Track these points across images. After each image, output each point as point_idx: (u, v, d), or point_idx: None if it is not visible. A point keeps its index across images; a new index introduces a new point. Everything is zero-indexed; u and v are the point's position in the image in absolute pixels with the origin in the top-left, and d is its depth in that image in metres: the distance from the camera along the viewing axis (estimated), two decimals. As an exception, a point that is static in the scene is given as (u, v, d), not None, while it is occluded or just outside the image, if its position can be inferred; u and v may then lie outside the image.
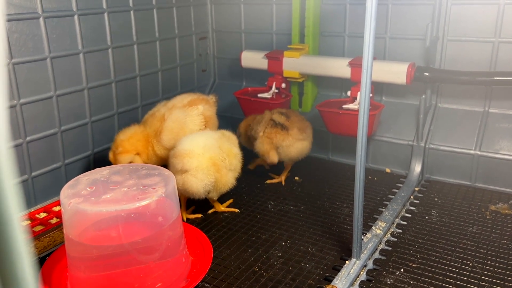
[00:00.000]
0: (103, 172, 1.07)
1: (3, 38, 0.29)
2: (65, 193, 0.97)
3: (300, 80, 1.86)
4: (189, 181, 1.27)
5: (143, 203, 0.93)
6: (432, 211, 1.44)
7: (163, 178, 1.03)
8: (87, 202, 0.93)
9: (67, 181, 1.55)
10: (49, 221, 1.31)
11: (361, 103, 1.04)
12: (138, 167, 1.10)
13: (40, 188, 1.48)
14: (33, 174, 1.45)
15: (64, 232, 0.97)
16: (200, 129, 1.51)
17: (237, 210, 1.45)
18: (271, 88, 1.88)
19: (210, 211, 1.45)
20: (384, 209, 1.45)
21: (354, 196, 1.12)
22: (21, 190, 1.43)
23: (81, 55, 1.54)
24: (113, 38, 1.65)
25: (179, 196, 1.28)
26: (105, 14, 1.60)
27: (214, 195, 1.36)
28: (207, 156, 1.29)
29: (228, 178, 1.35)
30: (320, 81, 1.94)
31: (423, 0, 1.62)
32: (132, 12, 1.71)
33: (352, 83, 1.71)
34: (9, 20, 1.31)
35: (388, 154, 1.73)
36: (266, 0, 1.97)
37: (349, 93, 1.70)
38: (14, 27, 1.32)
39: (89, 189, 0.99)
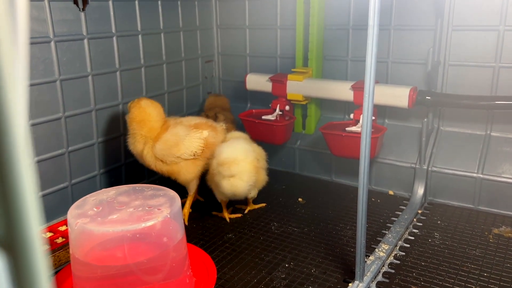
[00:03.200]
0: (110, 193, 1.09)
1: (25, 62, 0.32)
2: (72, 213, 0.99)
3: (303, 103, 1.89)
4: (237, 184, 1.43)
5: (149, 223, 0.94)
6: (435, 233, 1.44)
7: (168, 199, 1.05)
8: (94, 222, 0.95)
9: (73, 201, 1.58)
10: (54, 240, 1.32)
11: (363, 125, 1.06)
12: (144, 187, 1.12)
13: (47, 208, 1.50)
14: (40, 194, 1.47)
15: (71, 251, 0.99)
16: (195, 152, 1.50)
17: (264, 204, 1.66)
18: (275, 110, 1.91)
19: (246, 211, 1.62)
20: (387, 232, 1.45)
21: (357, 219, 1.13)
22: (27, 210, 1.44)
23: (90, 78, 1.57)
24: (121, 61, 1.69)
25: (220, 200, 1.56)
26: (114, 38, 1.64)
27: (254, 193, 1.55)
28: (248, 160, 1.45)
29: (264, 176, 1.55)
30: (323, 103, 1.97)
31: (424, 26, 1.66)
32: (140, 36, 1.75)
33: (355, 106, 1.74)
34: (21, 44, 1.35)
35: (391, 177, 1.74)
36: (270, 25, 2.02)
37: (352, 115, 1.73)
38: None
39: (95, 209, 1.01)
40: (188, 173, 1.53)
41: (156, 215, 0.97)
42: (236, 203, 1.65)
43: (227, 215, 1.57)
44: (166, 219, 0.98)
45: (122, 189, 1.12)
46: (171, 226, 1.00)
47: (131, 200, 1.05)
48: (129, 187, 1.14)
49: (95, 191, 1.66)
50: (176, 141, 1.49)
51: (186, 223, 1.54)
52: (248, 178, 1.44)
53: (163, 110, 1.56)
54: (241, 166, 1.42)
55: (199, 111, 2.15)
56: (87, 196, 1.08)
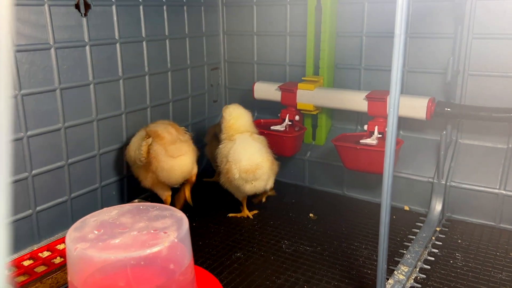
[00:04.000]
0: (112, 213, 1.01)
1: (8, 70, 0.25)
2: (71, 236, 0.91)
3: (314, 113, 1.81)
4: (259, 186, 1.51)
5: (154, 249, 0.86)
6: (457, 254, 1.36)
7: (175, 221, 0.97)
8: (94, 247, 0.87)
9: (73, 216, 1.51)
10: (52, 260, 1.24)
11: (387, 140, 0.97)
12: (149, 207, 1.04)
13: (45, 223, 1.42)
14: (38, 208, 1.40)
15: (68, 278, 0.90)
16: (138, 158, 1.49)
17: (275, 193, 1.73)
18: (284, 120, 1.83)
19: (264, 199, 1.68)
20: (405, 251, 1.37)
21: (379, 243, 1.04)
22: (24, 226, 1.36)
23: (91, 86, 1.50)
24: (125, 69, 1.61)
25: (242, 199, 1.59)
26: (117, 45, 1.57)
27: (271, 183, 1.56)
28: (266, 159, 1.51)
29: (276, 166, 1.56)
30: (335, 113, 1.89)
31: (443, 34, 1.58)
32: (144, 42, 1.68)
33: (368, 117, 1.66)
34: (19, 51, 1.28)
35: (407, 191, 1.65)
36: (279, 32, 1.94)
37: (365, 127, 1.65)
38: (24, 58, 1.29)
39: (96, 232, 0.93)
40: (143, 179, 1.55)
41: (162, 239, 0.89)
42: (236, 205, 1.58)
43: (248, 213, 1.61)
44: (173, 244, 0.89)
45: (125, 208, 1.03)
46: (178, 251, 0.92)
47: (135, 222, 0.97)
48: (132, 205, 1.05)
49: (95, 205, 1.60)
50: (128, 146, 1.56)
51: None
52: (268, 176, 1.52)
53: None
54: (263, 168, 1.48)
55: (204, 121, 2.07)
56: (87, 216, 0.99)
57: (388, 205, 1.01)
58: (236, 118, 1.60)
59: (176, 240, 0.90)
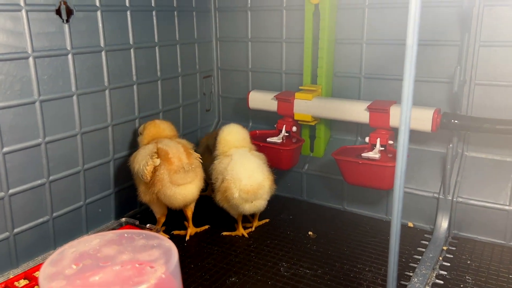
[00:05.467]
0: (93, 242, 0.90)
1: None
2: (46, 272, 0.81)
3: (312, 123, 1.72)
4: (259, 205, 1.43)
5: (139, 288, 0.76)
6: (467, 277, 1.27)
7: (163, 252, 0.86)
8: (71, 286, 0.76)
9: (55, 237, 1.40)
10: (29, 290, 1.13)
11: (398, 156, 0.88)
12: (135, 235, 0.93)
13: (23, 246, 1.31)
14: (16, 230, 1.29)
15: (42, 319, 0.80)
16: (141, 175, 1.39)
17: (268, 220, 1.61)
18: (280, 131, 1.74)
19: (253, 228, 1.56)
20: (412, 274, 1.28)
21: (388, 273, 0.95)
22: (0, 250, 1.25)
23: (74, 98, 1.39)
24: (111, 78, 1.51)
25: (237, 216, 1.49)
26: (103, 53, 1.47)
27: (265, 203, 1.47)
28: (267, 177, 1.43)
29: (272, 181, 1.47)
30: (334, 124, 1.80)
31: (448, 41, 1.50)
32: (132, 50, 1.58)
33: (370, 128, 1.57)
34: (-6, 61, 1.17)
35: (411, 207, 1.56)
36: (275, 38, 1.85)
37: (367, 139, 1.56)
38: (-1, 69, 1.19)
39: (74, 266, 0.83)
40: (142, 193, 1.45)
41: (148, 276, 0.79)
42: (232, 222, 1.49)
43: (244, 231, 1.52)
44: (160, 280, 0.79)
45: (108, 237, 0.93)
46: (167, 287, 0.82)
47: (118, 253, 0.87)
48: (115, 233, 0.95)
49: (80, 223, 1.49)
50: (134, 155, 1.46)
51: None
52: (268, 195, 1.45)
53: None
54: (264, 187, 1.41)
55: (196, 131, 1.97)
56: (66, 246, 0.89)
57: (398, 223, 0.92)
58: (234, 132, 1.51)
59: (163, 276, 0.80)
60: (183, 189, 1.37)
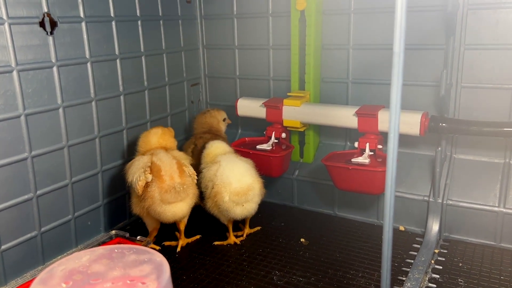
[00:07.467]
0: (83, 259, 0.89)
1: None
2: (34, 291, 0.79)
3: (301, 130, 1.72)
4: (250, 208, 1.43)
5: (131, 306, 0.75)
6: (459, 280, 1.27)
7: (155, 267, 0.85)
8: (61, 306, 0.75)
9: (43, 252, 1.38)
10: (18, 308, 1.11)
11: (388, 162, 0.88)
12: (125, 249, 0.92)
13: (11, 263, 1.29)
14: (3, 247, 1.26)
15: None
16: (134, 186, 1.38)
17: (259, 227, 1.60)
18: (270, 138, 1.73)
19: (244, 236, 1.55)
20: (405, 278, 1.28)
21: (382, 280, 0.95)
22: (-13, 268, 1.23)
23: (60, 110, 1.38)
24: (97, 90, 1.49)
25: (228, 223, 1.48)
26: (88, 64, 1.45)
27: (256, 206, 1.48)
28: (256, 179, 1.45)
29: (262, 184, 1.48)
30: (322, 130, 1.80)
31: (434, 45, 1.51)
32: (118, 60, 1.56)
33: (358, 133, 1.57)
34: (-24, 76, 1.15)
35: (402, 211, 1.57)
36: (262, 45, 1.85)
37: (356, 144, 1.56)
38: (-18, 83, 1.17)
39: (64, 285, 0.81)
40: (134, 205, 1.44)
41: (140, 292, 0.78)
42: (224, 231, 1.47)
43: (236, 239, 1.51)
44: (153, 297, 0.78)
45: (98, 253, 0.91)
46: (159, 304, 0.80)
47: (109, 270, 0.85)
48: (105, 249, 0.94)
49: (69, 237, 1.47)
50: (129, 165, 1.44)
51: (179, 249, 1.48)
52: (259, 197, 1.46)
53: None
54: (255, 189, 1.42)
55: (185, 139, 1.96)
56: (55, 264, 0.87)
57: (389, 257, 0.92)
58: (218, 147, 1.54)
59: (156, 292, 0.79)
60: (174, 207, 1.36)
